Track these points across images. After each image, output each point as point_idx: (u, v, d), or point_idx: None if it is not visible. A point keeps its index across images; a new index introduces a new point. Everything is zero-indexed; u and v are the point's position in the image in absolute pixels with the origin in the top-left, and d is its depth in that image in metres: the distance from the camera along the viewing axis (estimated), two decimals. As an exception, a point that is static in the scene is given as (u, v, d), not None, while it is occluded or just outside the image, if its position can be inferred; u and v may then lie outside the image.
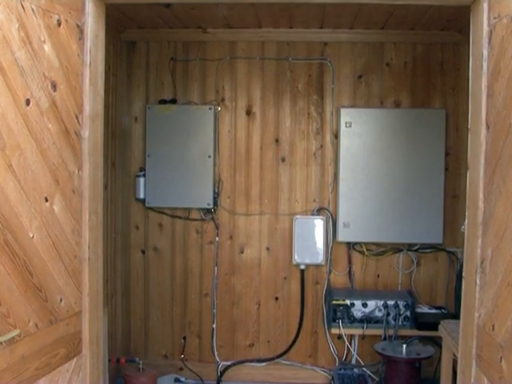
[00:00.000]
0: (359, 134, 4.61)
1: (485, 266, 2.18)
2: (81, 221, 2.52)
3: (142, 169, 4.78)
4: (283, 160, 4.80)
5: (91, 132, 2.45)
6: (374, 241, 4.69)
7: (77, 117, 2.43)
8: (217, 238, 4.80)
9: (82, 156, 2.50)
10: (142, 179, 4.75)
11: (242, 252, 4.83)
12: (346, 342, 4.65)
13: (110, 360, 4.07)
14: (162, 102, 4.79)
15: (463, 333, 2.44)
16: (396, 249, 4.72)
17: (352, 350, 4.70)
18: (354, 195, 4.61)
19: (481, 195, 2.25)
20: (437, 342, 4.36)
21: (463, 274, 2.49)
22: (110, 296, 4.65)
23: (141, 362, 4.08)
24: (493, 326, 2.06)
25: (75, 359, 2.50)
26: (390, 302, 4.43)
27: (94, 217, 2.55)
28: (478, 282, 2.26)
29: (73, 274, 2.47)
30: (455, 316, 4.39)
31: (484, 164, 2.22)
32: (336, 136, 4.71)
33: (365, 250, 4.71)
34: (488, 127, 2.18)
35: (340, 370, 4.50)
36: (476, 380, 2.28)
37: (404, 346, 3.97)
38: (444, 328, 3.17)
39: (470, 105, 2.40)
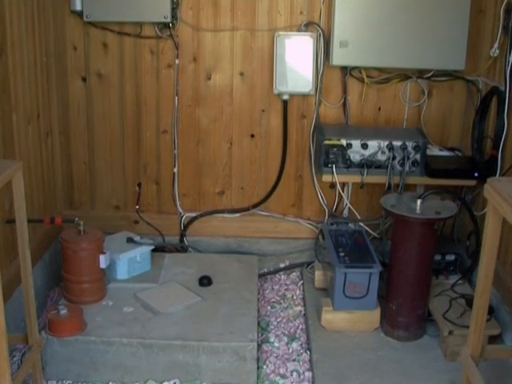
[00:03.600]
0: None
1: None
2: None
3: (77, -30, 3.60)
4: (261, -43, 3.68)
5: None
6: (377, 65, 3.68)
7: None
8: (177, 61, 3.76)
9: None
10: (76, -17, 3.60)
11: (209, 78, 3.82)
12: (340, 191, 3.80)
13: (42, 220, 3.17)
14: None
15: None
16: (403, 76, 3.75)
17: (346, 199, 3.87)
18: (354, 6, 3.52)
19: None
20: (452, 193, 3.54)
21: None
22: (45, 135, 3.68)
23: (81, 222, 3.17)
24: None
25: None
26: (396, 143, 3.53)
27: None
28: None
29: None
30: (473, 160, 3.57)
31: None
32: None
33: (364, 76, 3.73)
34: None
35: (332, 225, 3.68)
36: None
37: (418, 201, 3.11)
38: (492, 187, 2.30)
39: None
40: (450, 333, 3.05)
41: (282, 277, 3.97)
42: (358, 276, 3.19)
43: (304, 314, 3.56)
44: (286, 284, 3.90)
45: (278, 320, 3.52)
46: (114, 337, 2.96)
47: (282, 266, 4.03)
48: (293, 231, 4.03)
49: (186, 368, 2.95)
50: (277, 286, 3.87)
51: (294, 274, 4.00)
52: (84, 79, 3.81)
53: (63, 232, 3.25)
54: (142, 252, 3.52)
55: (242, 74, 3.82)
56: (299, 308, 3.63)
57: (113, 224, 3.91)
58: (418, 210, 3.09)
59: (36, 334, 2.54)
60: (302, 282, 3.88)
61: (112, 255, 3.34)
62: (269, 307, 3.65)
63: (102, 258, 3.18)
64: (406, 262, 3.13)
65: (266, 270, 4.00)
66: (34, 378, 2.63)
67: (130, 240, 3.56)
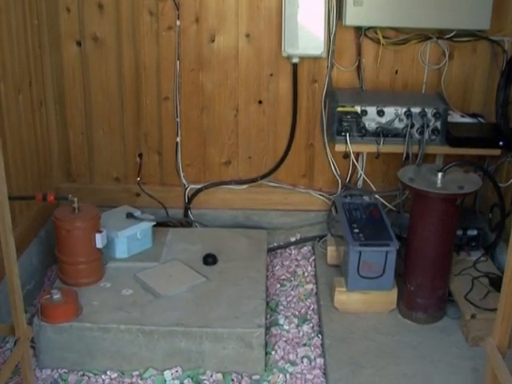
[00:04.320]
0: None
1: None
2: None
3: None
4: None
5: None
6: (394, 25, 3.39)
7: None
8: (178, 22, 3.49)
9: None
10: None
11: (213, 40, 3.56)
12: (354, 161, 3.56)
13: (33, 197, 2.95)
14: None
15: None
16: (422, 36, 3.47)
17: (360, 170, 3.63)
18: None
19: None
20: (474, 164, 3.31)
21: None
22: (38, 105, 3.46)
23: (75, 199, 2.95)
24: None
25: None
26: (415, 110, 3.27)
27: None
28: None
29: None
30: (497, 127, 3.31)
31: None
32: None
33: (380, 37, 3.45)
34: None
35: (345, 197, 3.45)
36: None
37: (439, 174, 2.87)
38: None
39: None
40: (473, 317, 2.84)
41: (293, 251, 3.77)
42: (374, 255, 2.97)
43: (316, 293, 3.36)
44: (296, 259, 3.69)
45: (288, 299, 3.32)
46: (112, 323, 2.76)
47: (292, 239, 3.82)
48: (304, 203, 3.81)
49: (188, 355, 2.76)
50: (287, 262, 3.66)
51: (305, 248, 3.79)
52: (79, 43, 3.56)
53: (56, 210, 3.04)
54: (142, 228, 3.30)
55: (248, 35, 3.55)
56: (311, 286, 3.42)
57: (113, 197, 3.71)
58: (438, 185, 2.85)
59: (24, 326, 2.34)
60: (313, 257, 3.67)
61: (110, 232, 3.13)
62: (278, 285, 3.45)
63: (98, 237, 2.96)
64: (426, 239, 2.90)
65: (275, 244, 3.79)
66: (24, 370, 2.44)
67: (129, 215, 3.34)
